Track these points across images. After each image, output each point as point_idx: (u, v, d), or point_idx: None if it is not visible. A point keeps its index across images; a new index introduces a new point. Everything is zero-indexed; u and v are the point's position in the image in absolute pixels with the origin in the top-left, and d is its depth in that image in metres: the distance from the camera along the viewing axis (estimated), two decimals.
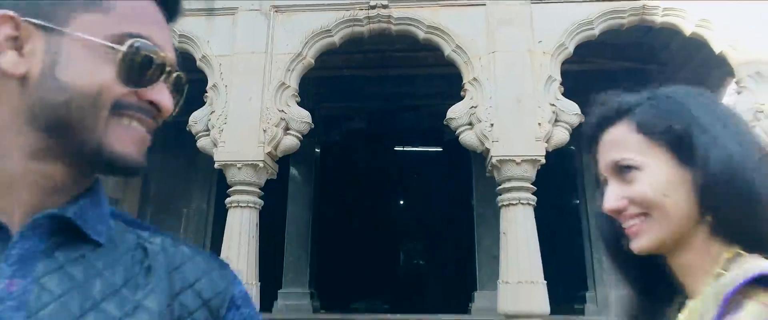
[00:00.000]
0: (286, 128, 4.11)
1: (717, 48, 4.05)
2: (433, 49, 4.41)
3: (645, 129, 0.76)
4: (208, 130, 4.11)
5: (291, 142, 4.12)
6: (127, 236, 0.59)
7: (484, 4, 4.22)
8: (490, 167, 4.01)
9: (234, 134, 4.03)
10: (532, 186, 3.90)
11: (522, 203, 3.84)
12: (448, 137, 4.99)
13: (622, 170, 0.76)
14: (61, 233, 0.53)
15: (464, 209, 6.67)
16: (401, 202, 10.53)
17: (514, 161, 3.85)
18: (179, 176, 6.19)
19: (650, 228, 0.74)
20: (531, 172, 3.89)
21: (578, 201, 6.08)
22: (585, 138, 0.85)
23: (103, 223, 0.57)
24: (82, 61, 0.53)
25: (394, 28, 4.29)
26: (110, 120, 0.54)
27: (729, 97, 4.98)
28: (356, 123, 6.61)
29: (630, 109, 0.80)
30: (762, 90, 3.86)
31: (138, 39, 0.55)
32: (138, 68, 0.55)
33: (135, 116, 0.56)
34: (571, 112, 3.98)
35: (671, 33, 4.40)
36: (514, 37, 4.12)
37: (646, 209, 0.74)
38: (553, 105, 3.98)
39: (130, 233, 0.60)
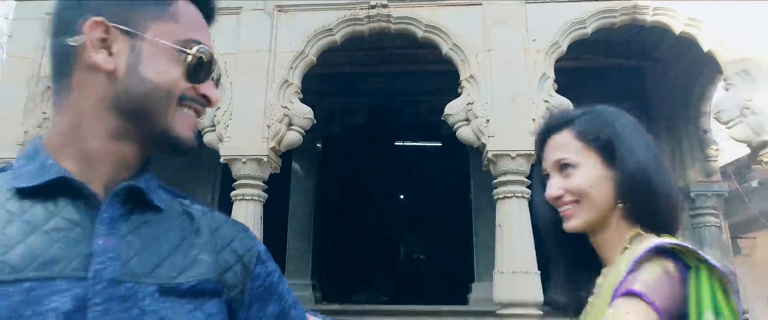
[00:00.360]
0: (289, 124, 4.25)
1: (705, 46, 4.18)
2: (432, 47, 4.55)
3: (582, 137, 1.02)
4: (213, 126, 4.26)
5: (294, 137, 4.27)
6: (175, 204, 0.74)
7: (481, 4, 4.35)
8: (486, 162, 4.15)
9: (239, 130, 4.17)
10: (526, 180, 4.04)
11: (517, 197, 3.98)
12: (447, 133, 5.12)
13: (563, 167, 1.02)
14: (132, 201, 0.67)
15: (462, 203, 6.81)
16: (401, 196, 10.66)
17: (510, 155, 4.00)
18: (184, 170, 6.34)
19: (580, 212, 1.00)
20: (526, 166, 4.03)
21: None
22: (535, 142, 1.11)
23: (158, 193, 0.71)
24: (158, 61, 0.67)
25: (393, 27, 4.42)
26: (175, 109, 0.68)
27: (718, 93, 5.11)
28: (357, 118, 6.74)
29: (571, 120, 1.05)
30: (748, 87, 3.99)
31: (200, 44, 0.69)
32: (199, 68, 0.69)
33: (192, 106, 0.70)
34: (565, 107, 4.12)
35: (663, 31, 4.52)
36: (510, 35, 4.25)
37: (578, 197, 1.00)
38: (547, 101, 4.11)
39: (175, 201, 0.74)
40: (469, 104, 4.17)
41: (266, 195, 4.23)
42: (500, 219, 4.00)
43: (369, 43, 5.28)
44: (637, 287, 0.83)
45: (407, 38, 4.66)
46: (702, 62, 4.76)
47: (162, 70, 0.67)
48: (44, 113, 4.44)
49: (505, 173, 4.00)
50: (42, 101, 4.49)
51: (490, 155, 3.99)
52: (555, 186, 1.01)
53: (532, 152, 3.92)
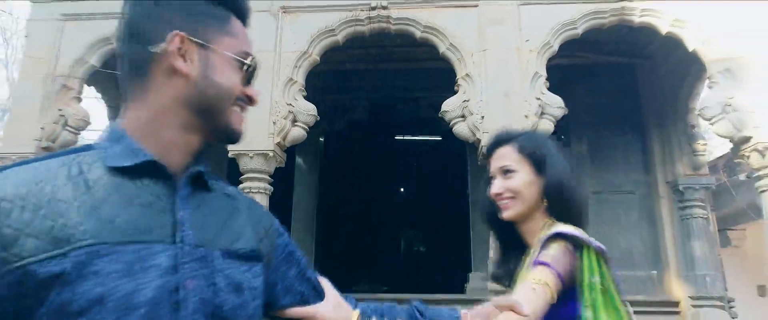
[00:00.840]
0: (294, 120, 4.47)
1: (690, 46, 4.38)
2: (430, 46, 4.74)
3: (521, 151, 1.39)
4: None
5: (298, 133, 4.48)
6: (216, 186, 0.91)
7: (477, 6, 4.54)
8: (481, 157, 4.36)
9: (246, 126, 4.35)
10: None
11: None
12: (446, 128, 5.31)
13: (505, 172, 1.38)
14: (193, 182, 0.85)
15: (460, 196, 7.03)
16: (401, 189, 10.88)
17: None
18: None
19: (515, 205, 1.37)
20: None
21: None
22: (486, 151, 1.47)
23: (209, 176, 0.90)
24: (224, 69, 0.85)
25: (393, 27, 4.63)
26: (232, 108, 0.86)
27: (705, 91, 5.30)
28: (358, 114, 6.94)
29: (514, 138, 1.43)
30: (730, 85, 4.19)
31: (250, 55, 0.89)
32: (251, 75, 0.89)
33: (242, 105, 0.89)
34: (555, 105, 4.33)
35: (652, 31, 4.72)
36: (504, 36, 4.45)
37: (514, 195, 1.37)
38: (539, 99, 4.32)
39: (216, 184, 0.92)
40: (464, 101, 4.38)
41: (272, 188, 4.44)
42: None
43: (370, 42, 5.47)
44: (545, 259, 1.23)
45: (407, 37, 4.86)
46: (689, 61, 4.94)
47: (227, 77, 0.84)
48: (60, 110, 4.65)
49: None
50: (57, 99, 4.70)
51: (484, 149, 4.19)
52: (498, 185, 1.38)
53: None
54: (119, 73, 0.86)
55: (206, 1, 0.86)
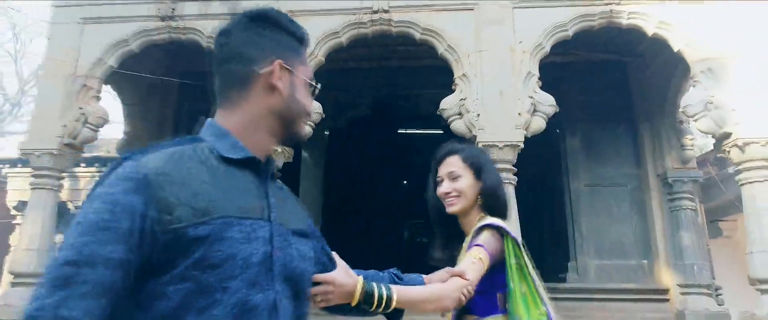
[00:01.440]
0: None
1: (675, 47, 4.63)
2: (430, 46, 5.00)
3: (465, 160, 1.78)
4: None
5: (305, 130, 4.75)
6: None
7: (473, 9, 4.80)
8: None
9: None
10: (513, 168, 4.52)
11: (505, 183, 4.46)
12: (446, 123, 5.59)
13: (452, 176, 1.76)
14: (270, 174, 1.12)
15: None
16: (404, 182, 11.16)
17: (498, 146, 4.48)
18: None
19: (458, 202, 1.75)
20: (512, 155, 4.51)
21: (562, 180, 6.68)
22: (435, 160, 1.83)
23: None
24: (303, 90, 1.12)
25: (394, 30, 4.90)
26: (304, 120, 1.14)
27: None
28: (361, 110, 7.20)
29: (460, 150, 1.81)
30: (712, 85, 4.44)
31: (315, 80, 1.16)
32: (315, 96, 1.17)
33: (306, 119, 1.18)
34: (547, 103, 4.59)
35: (640, 32, 4.96)
36: (498, 37, 4.71)
37: (459, 194, 1.75)
38: (532, 98, 4.58)
39: None
40: (461, 99, 4.65)
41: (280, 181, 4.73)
42: None
43: (372, 42, 5.74)
44: (480, 242, 1.63)
45: (407, 38, 5.12)
46: (676, 60, 5.18)
47: (305, 96, 1.12)
48: (81, 108, 4.95)
49: (494, 162, 4.48)
50: (77, 98, 4.99)
51: (480, 145, 4.47)
52: (447, 186, 1.77)
53: (518, 143, 4.46)
54: (217, 84, 1.12)
55: (289, 36, 1.13)
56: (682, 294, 5.76)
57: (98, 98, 5.12)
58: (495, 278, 1.63)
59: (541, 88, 4.68)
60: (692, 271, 5.71)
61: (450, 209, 1.76)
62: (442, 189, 1.77)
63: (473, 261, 1.56)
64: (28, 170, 13.36)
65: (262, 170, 1.06)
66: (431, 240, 1.92)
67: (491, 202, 1.75)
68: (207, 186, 0.94)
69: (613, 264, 6.24)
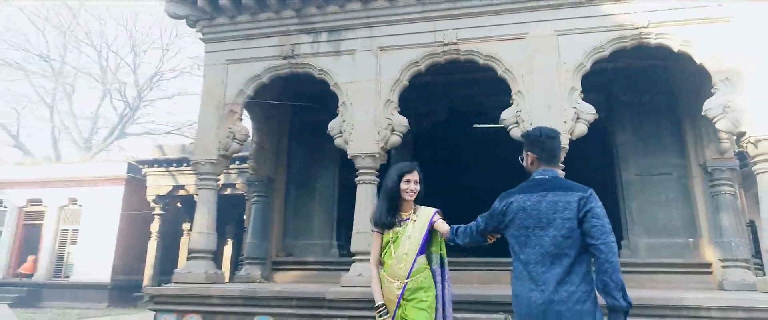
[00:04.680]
0: (392, 130, 6.17)
1: (698, 60, 5.57)
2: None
3: (419, 173, 3.38)
4: (340, 133, 6.26)
5: (395, 139, 6.19)
6: None
7: (524, 38, 5.99)
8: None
9: (358, 135, 6.15)
10: (561, 164, 5.68)
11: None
12: (507, 131, 6.77)
13: (416, 181, 3.34)
14: None
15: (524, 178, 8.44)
16: (480, 176, 12.38)
17: None
18: (311, 161, 8.53)
19: (414, 196, 3.35)
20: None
21: (614, 170, 7.68)
22: (405, 171, 3.39)
23: None
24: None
25: (461, 57, 6.19)
26: None
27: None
28: (439, 116, 8.57)
29: (418, 167, 3.41)
30: (729, 92, 5.36)
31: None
32: None
33: None
34: (588, 112, 5.69)
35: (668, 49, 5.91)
36: (546, 60, 5.87)
37: (416, 191, 3.35)
38: (575, 108, 5.70)
39: None
40: (517, 111, 5.87)
41: (378, 180, 6.18)
42: None
43: (444, 65, 7.05)
44: (439, 217, 3.31)
45: (473, 63, 6.38)
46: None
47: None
48: (229, 128, 6.67)
49: None
50: (226, 120, 6.72)
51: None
52: (413, 186, 3.29)
53: (564, 146, 5.62)
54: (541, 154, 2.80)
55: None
56: (723, 267, 6.61)
57: (241, 119, 6.85)
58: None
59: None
60: (730, 247, 6.55)
61: (406, 198, 3.26)
62: (410, 186, 3.25)
63: (444, 222, 3.26)
64: (163, 169, 15.76)
65: None
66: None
67: (421, 198, 3.40)
68: None
69: (662, 242, 7.17)
